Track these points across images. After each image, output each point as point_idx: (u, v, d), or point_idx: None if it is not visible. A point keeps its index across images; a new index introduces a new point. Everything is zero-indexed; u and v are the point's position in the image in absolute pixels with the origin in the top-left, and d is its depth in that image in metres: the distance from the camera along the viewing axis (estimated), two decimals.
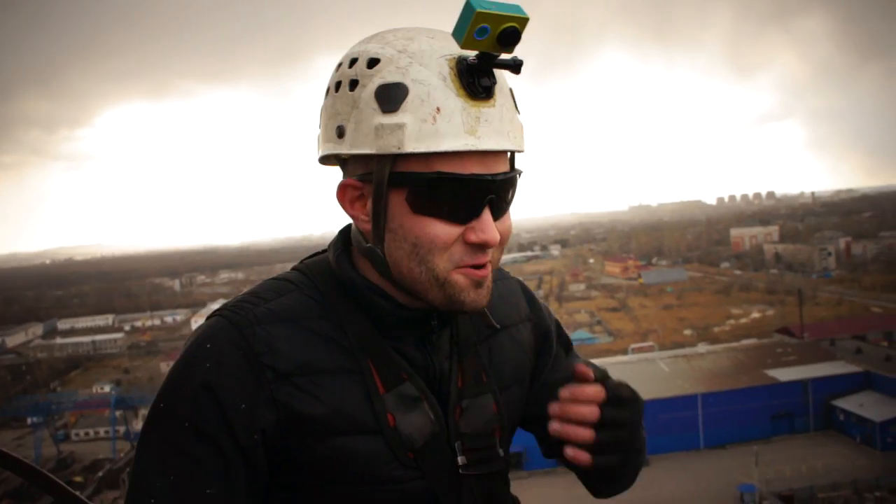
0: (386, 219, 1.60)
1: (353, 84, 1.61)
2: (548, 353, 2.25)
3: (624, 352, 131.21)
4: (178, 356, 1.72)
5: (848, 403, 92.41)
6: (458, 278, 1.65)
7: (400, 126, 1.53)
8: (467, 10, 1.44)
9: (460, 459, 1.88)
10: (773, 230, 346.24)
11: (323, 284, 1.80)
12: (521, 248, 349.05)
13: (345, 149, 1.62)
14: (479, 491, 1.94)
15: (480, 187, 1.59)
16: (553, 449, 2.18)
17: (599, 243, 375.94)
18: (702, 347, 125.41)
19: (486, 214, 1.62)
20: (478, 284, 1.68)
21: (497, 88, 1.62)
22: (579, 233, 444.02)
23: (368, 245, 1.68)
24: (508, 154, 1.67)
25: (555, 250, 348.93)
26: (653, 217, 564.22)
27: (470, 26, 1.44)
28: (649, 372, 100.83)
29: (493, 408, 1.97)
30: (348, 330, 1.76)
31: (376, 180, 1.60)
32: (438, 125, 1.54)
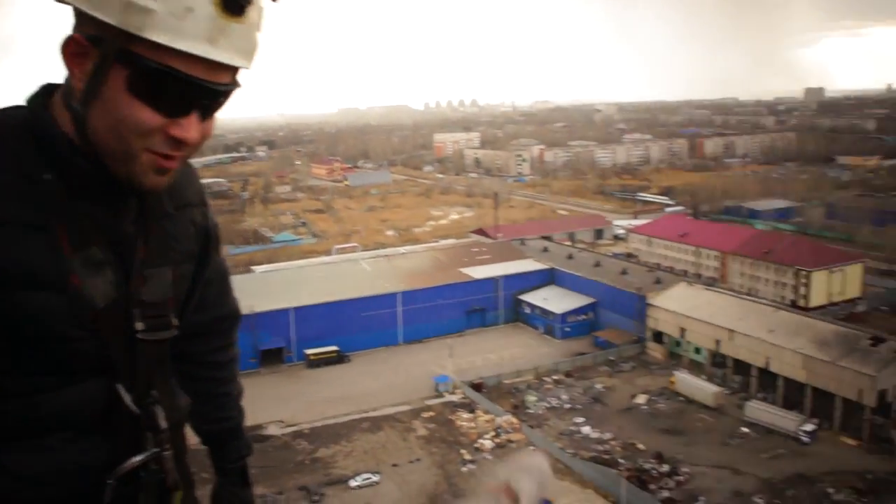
0: (100, 88, 1.62)
1: None
2: (206, 264, 2.34)
3: (328, 252, 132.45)
4: None
5: (533, 298, 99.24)
6: (146, 160, 1.69)
7: (148, 11, 1.55)
8: None
9: (138, 325, 1.97)
10: (475, 136, 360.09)
11: (13, 139, 1.74)
12: (227, 149, 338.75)
13: (82, 5, 1.59)
14: (152, 356, 2.07)
15: (199, 91, 1.65)
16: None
17: (307, 145, 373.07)
18: (403, 248, 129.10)
19: (194, 115, 1.69)
20: (161, 172, 1.75)
21: (252, 7, 1.68)
22: (287, 134, 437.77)
23: (76, 105, 1.67)
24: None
25: (261, 152, 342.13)
26: (361, 120, 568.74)
27: None
28: (352, 272, 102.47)
29: (171, 279, 2.09)
30: (40, 186, 1.71)
31: (104, 50, 1.59)
32: (184, 23, 1.57)
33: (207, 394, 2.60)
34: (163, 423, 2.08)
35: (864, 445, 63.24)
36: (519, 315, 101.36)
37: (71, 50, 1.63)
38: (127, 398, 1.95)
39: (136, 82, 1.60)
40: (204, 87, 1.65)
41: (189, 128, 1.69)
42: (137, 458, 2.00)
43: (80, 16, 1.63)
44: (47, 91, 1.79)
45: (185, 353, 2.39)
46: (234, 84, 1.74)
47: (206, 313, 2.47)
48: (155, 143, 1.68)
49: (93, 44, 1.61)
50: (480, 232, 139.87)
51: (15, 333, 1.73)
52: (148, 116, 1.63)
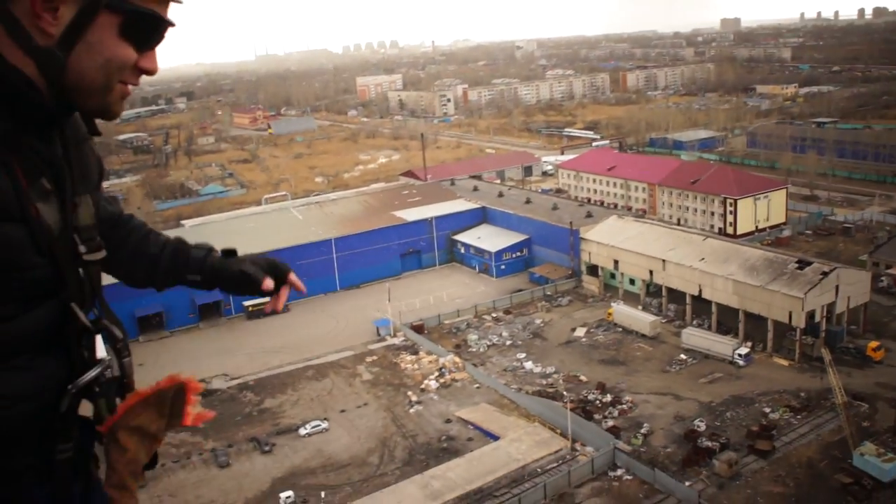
0: (84, 33, 1.84)
1: None
2: (100, 191, 2.55)
3: (258, 202, 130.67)
4: None
5: (467, 237, 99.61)
6: (118, 90, 1.99)
7: None
8: None
9: (81, 248, 2.20)
10: (397, 78, 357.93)
11: None
12: (146, 101, 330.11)
13: None
14: (93, 275, 2.29)
15: (163, 27, 1.97)
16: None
17: (227, 94, 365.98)
18: (333, 194, 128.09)
19: (154, 49, 2.02)
20: (124, 98, 2.06)
21: None
22: (206, 84, 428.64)
23: (47, 47, 1.84)
24: None
25: (181, 103, 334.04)
26: (280, 67, 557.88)
27: None
28: (284, 221, 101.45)
29: (93, 205, 2.32)
30: None
31: None
32: None
33: (142, 238, 2.78)
34: (118, 333, 2.36)
35: (796, 365, 65.40)
36: (454, 255, 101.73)
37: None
38: (81, 315, 2.15)
39: (127, 27, 1.86)
40: (165, 23, 1.95)
41: (154, 59, 2.00)
42: (95, 370, 2.21)
43: None
44: None
45: (106, 237, 2.48)
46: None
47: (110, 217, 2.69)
48: (126, 75, 1.97)
49: None
50: (409, 174, 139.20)
51: None
52: (130, 53, 1.91)
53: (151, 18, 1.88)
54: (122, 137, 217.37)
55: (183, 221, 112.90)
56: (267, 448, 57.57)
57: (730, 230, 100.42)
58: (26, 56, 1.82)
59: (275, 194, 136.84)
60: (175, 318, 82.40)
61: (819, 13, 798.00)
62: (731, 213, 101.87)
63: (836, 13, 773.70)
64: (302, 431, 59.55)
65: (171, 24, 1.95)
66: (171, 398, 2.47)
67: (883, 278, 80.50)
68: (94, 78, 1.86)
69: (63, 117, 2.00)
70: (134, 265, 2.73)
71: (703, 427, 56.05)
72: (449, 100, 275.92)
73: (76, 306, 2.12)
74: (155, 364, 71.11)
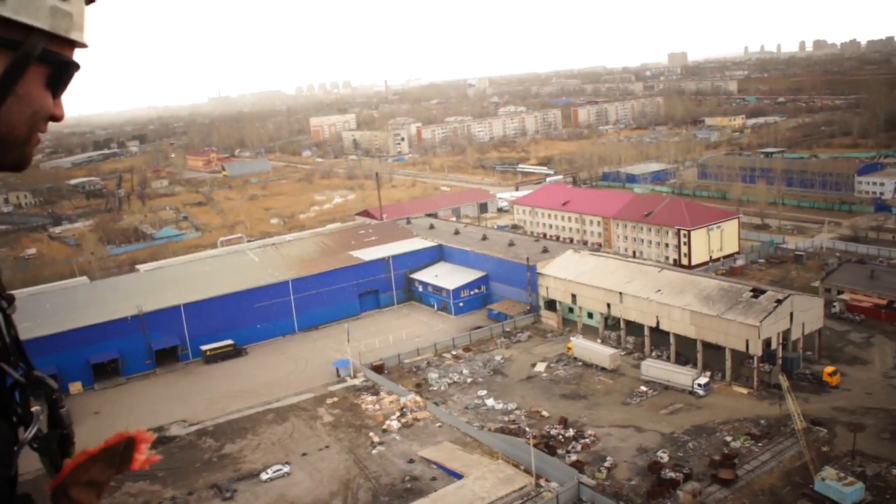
0: (17, 85, 1.82)
1: None
2: None
3: (213, 245, 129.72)
4: None
5: (425, 275, 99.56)
6: (35, 140, 1.96)
7: (70, 14, 1.87)
8: None
9: (3, 303, 2.18)
10: (351, 118, 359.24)
11: None
12: (97, 146, 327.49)
13: (6, 12, 1.75)
14: (11, 327, 2.23)
15: (74, 74, 1.93)
16: None
17: (180, 137, 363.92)
18: (289, 235, 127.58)
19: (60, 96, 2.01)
20: (36, 147, 2.02)
21: None
22: (158, 127, 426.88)
23: None
24: None
25: (133, 147, 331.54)
26: (233, 108, 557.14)
27: None
28: (240, 263, 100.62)
29: None
30: None
31: (25, 51, 1.79)
32: (81, 21, 1.92)
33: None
34: (52, 384, 2.26)
35: (755, 393, 66.03)
36: (412, 294, 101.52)
37: None
38: (11, 371, 2.08)
39: (53, 78, 1.86)
40: (77, 69, 1.92)
41: (62, 106, 1.98)
42: (35, 424, 2.15)
43: None
44: None
45: None
46: None
47: None
48: (42, 125, 1.95)
49: (5, 47, 1.77)
50: (366, 213, 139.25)
51: None
52: (50, 103, 1.91)
53: (74, 67, 1.87)
54: (73, 182, 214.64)
55: (138, 266, 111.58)
56: (228, 495, 56.60)
57: (685, 261, 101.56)
58: None
59: (230, 237, 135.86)
60: (131, 365, 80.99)
61: (762, 47, 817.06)
62: (685, 244, 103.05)
63: (779, 46, 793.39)
64: (263, 476, 58.69)
65: (78, 67, 1.92)
66: (122, 451, 2.43)
67: (835, 304, 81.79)
68: (21, 130, 1.84)
69: None
70: None
71: (666, 458, 56.24)
72: (403, 139, 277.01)
73: (6, 366, 2.06)
74: (111, 412, 69.88)
